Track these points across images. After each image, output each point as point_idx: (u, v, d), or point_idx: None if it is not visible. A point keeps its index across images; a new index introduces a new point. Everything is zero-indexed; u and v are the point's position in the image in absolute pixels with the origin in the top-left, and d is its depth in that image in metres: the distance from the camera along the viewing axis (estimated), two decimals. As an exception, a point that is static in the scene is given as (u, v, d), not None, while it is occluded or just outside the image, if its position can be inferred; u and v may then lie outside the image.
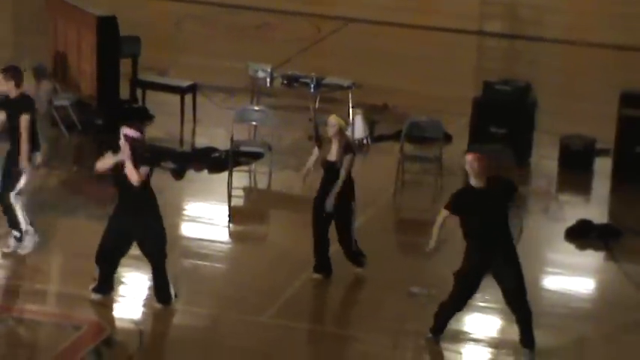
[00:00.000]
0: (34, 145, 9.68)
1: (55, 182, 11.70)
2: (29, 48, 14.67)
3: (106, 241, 9.04)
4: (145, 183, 8.89)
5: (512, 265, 8.51)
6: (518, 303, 8.53)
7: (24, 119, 9.52)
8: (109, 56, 13.14)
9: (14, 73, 9.70)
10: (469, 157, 8.50)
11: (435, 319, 8.79)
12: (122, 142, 8.87)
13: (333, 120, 9.58)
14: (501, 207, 8.47)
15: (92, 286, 9.21)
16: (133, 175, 8.78)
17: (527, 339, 8.60)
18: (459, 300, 8.68)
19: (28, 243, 9.79)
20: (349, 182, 9.60)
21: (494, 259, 8.53)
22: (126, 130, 8.88)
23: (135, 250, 9.32)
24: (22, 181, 9.71)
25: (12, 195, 9.69)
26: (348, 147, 9.58)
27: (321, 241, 9.69)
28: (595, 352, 8.90)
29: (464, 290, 8.64)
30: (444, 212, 8.66)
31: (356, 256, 9.79)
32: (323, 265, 9.74)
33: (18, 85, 9.65)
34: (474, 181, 8.53)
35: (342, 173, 9.48)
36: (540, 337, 8.81)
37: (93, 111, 13.11)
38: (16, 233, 9.80)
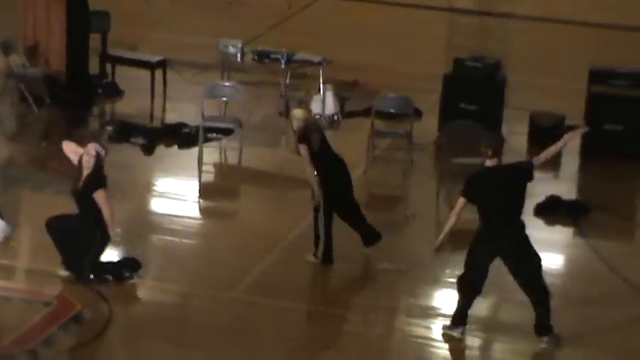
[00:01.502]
0: None
1: (24, 157, 11.62)
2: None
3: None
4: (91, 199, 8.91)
5: (526, 254, 8.41)
6: (535, 288, 8.48)
7: None
8: (78, 31, 13.06)
9: None
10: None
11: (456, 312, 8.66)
12: (86, 157, 8.87)
13: (300, 114, 9.52)
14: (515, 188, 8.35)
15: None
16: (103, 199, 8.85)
17: (542, 327, 8.54)
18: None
19: None
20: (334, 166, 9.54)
21: (506, 246, 8.41)
22: (92, 148, 8.88)
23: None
24: None
25: None
26: (300, 136, 9.45)
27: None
28: (563, 327, 8.97)
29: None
30: (461, 201, 8.43)
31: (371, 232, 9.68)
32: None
33: None
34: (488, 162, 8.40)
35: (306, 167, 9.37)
36: (509, 312, 8.90)
37: (62, 86, 13.02)
38: None
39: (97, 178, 8.93)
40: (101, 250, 9.07)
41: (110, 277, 9.11)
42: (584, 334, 8.88)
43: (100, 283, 9.07)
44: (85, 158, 8.92)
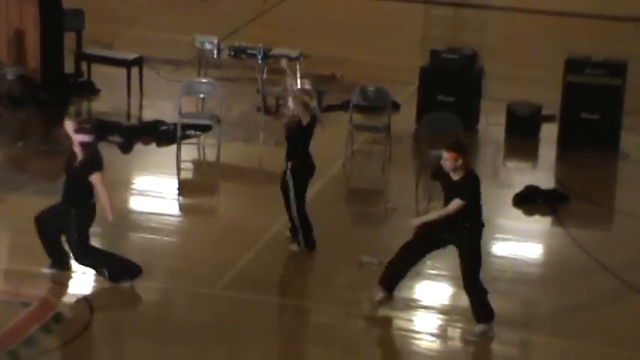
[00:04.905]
0: None
1: (0, 158, 11.55)
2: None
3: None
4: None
5: (471, 248, 8.48)
6: (471, 280, 8.54)
7: None
8: (52, 30, 12.98)
9: None
10: (444, 154, 8.45)
11: (383, 280, 8.80)
12: (77, 148, 8.85)
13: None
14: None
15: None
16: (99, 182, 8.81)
17: (478, 314, 8.62)
18: (400, 260, 8.70)
19: None
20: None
21: (450, 236, 8.51)
22: (81, 137, 8.84)
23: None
24: None
25: None
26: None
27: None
28: (543, 316, 9.01)
29: (405, 249, 8.69)
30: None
31: (295, 231, 9.72)
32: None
33: None
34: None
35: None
36: (490, 301, 8.90)
37: (37, 85, 12.95)
38: None
39: (93, 162, 8.88)
40: (81, 229, 8.95)
41: (107, 274, 9.05)
42: (563, 322, 8.91)
43: (94, 269, 9.03)
44: (75, 149, 8.91)
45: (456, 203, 8.40)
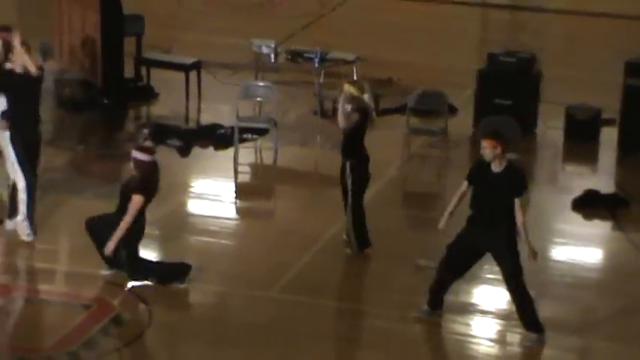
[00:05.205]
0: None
1: (62, 162, 11.72)
2: (34, 29, 14.65)
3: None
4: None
5: (508, 252, 8.35)
6: (513, 289, 8.46)
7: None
8: (112, 35, 13.15)
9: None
10: (482, 143, 8.34)
11: (430, 292, 8.77)
12: (132, 164, 8.97)
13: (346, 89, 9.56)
14: (504, 196, 8.30)
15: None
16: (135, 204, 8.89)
17: (526, 323, 8.53)
18: (444, 270, 8.64)
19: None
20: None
21: (486, 241, 8.42)
22: (137, 154, 8.95)
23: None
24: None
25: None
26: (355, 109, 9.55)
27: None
28: (602, 321, 8.92)
29: (448, 259, 8.60)
30: (464, 184, 8.56)
31: (349, 235, 9.72)
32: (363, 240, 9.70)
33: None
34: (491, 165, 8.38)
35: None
36: (548, 306, 8.84)
37: (98, 90, 13.12)
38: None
39: (142, 183, 8.98)
40: (130, 244, 9.05)
41: (155, 280, 9.14)
42: (622, 327, 8.81)
43: (145, 280, 9.12)
44: (132, 165, 9.04)
45: (520, 205, 8.22)
